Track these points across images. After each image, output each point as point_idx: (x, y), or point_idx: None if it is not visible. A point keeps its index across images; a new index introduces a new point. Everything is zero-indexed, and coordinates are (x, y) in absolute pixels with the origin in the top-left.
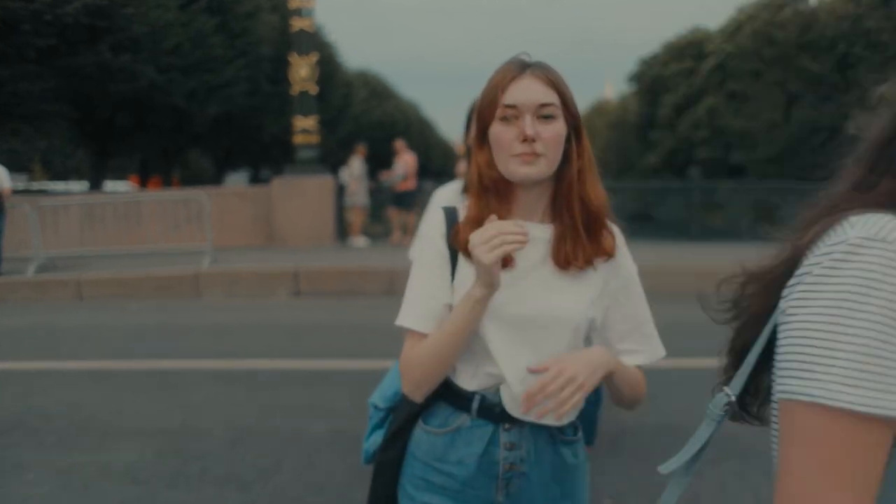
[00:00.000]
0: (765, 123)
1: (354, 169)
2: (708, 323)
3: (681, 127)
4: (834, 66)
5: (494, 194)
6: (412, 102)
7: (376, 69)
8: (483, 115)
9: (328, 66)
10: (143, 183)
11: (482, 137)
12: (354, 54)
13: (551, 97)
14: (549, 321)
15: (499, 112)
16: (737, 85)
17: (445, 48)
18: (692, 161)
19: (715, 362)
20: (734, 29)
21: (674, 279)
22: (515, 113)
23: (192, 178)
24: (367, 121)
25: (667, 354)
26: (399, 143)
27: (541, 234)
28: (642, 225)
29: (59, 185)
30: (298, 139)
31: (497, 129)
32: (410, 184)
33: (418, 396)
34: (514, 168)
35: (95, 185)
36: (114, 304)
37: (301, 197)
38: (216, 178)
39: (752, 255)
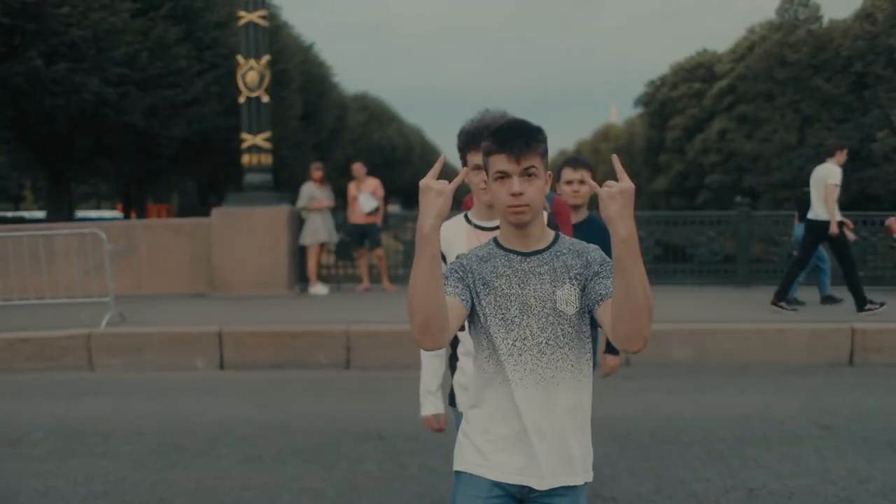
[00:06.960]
0: (778, 146)
1: (307, 191)
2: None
3: (690, 151)
4: (849, 87)
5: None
6: (416, 127)
7: (384, 97)
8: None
9: (321, 86)
10: (126, 211)
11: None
12: (362, 83)
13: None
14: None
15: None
16: (748, 107)
17: (455, 75)
18: (703, 186)
19: None
20: (745, 50)
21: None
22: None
23: (189, 208)
24: (366, 144)
25: None
26: (358, 167)
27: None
28: (677, 266)
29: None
30: (246, 160)
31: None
32: (378, 216)
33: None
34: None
35: (55, 214)
36: None
37: (248, 232)
38: (204, 207)
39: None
